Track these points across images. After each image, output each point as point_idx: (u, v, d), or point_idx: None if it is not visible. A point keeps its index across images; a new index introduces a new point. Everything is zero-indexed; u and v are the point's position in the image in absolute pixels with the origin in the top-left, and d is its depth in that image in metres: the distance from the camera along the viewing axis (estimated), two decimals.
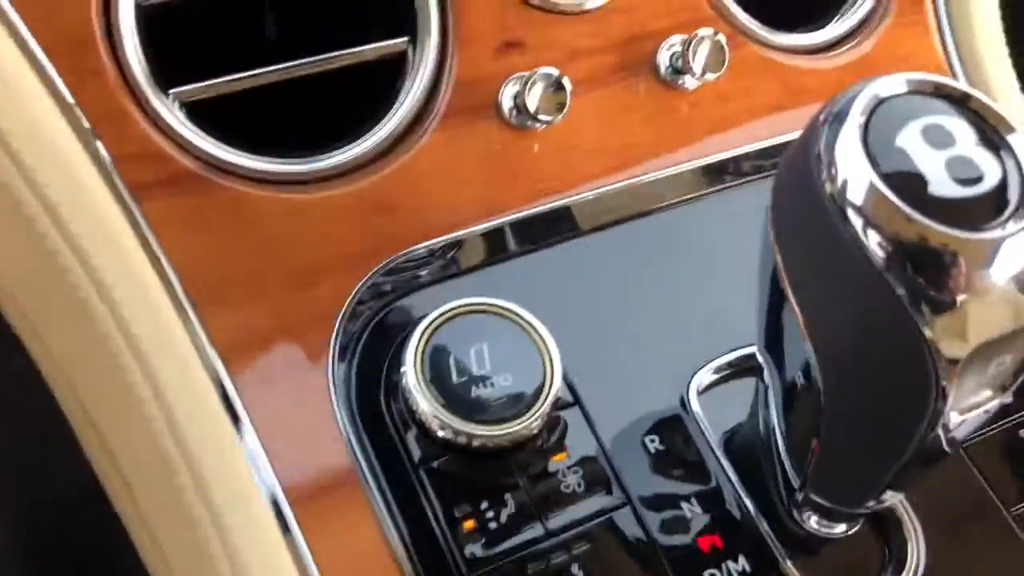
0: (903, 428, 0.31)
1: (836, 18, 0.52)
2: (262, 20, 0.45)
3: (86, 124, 0.37)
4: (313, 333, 0.39)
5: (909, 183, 0.28)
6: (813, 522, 0.38)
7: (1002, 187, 0.28)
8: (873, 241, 0.28)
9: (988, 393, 0.30)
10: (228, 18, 0.43)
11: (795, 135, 0.50)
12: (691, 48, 0.45)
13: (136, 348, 0.35)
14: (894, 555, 0.39)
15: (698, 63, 0.45)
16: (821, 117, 0.30)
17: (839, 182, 0.29)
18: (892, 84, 0.29)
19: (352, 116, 0.43)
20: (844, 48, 0.52)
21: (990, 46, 0.52)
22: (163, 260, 0.37)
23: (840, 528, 0.38)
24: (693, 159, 0.46)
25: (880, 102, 0.29)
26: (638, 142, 0.46)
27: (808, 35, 0.52)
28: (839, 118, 0.29)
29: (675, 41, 0.46)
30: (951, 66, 0.53)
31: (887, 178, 0.28)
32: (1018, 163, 0.28)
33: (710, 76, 0.46)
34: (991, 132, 0.29)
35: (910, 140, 0.28)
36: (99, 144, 0.37)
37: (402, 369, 0.37)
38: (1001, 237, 0.27)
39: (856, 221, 0.28)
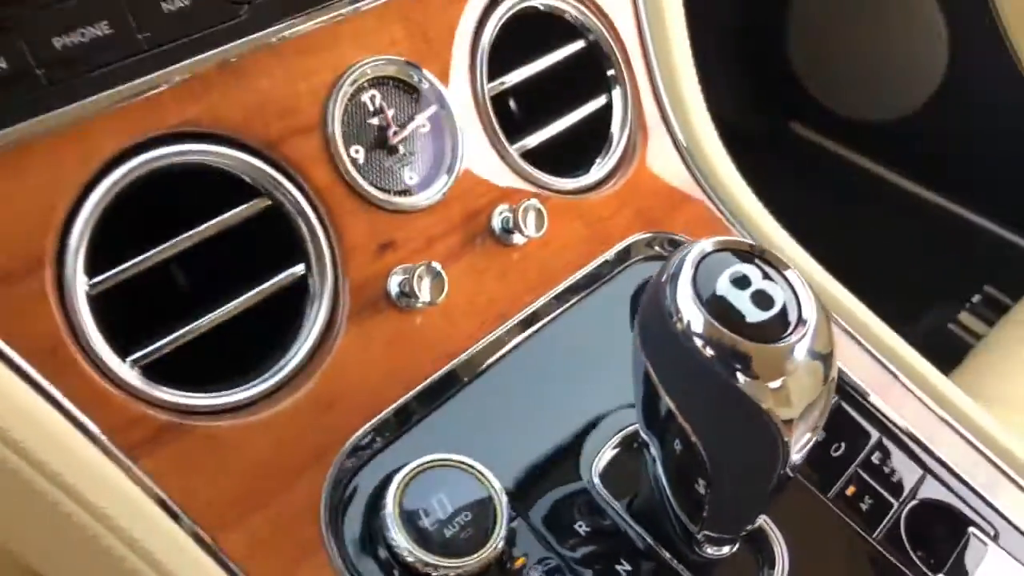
0: (766, 473, 0.44)
1: (598, 162, 0.67)
2: (172, 276, 0.52)
3: (77, 412, 0.43)
4: (303, 526, 0.47)
5: (730, 317, 0.41)
6: (709, 551, 0.51)
7: (785, 308, 0.42)
8: (715, 357, 0.41)
9: (810, 435, 0.45)
10: (144, 282, 0.50)
11: (606, 255, 0.64)
12: (520, 216, 0.58)
13: None
14: (766, 558, 0.53)
15: (529, 228, 0.57)
16: (664, 278, 0.43)
17: (685, 323, 0.42)
18: (705, 247, 0.43)
19: (268, 336, 0.52)
20: (616, 178, 0.67)
21: (716, 155, 0.69)
22: (171, 504, 0.44)
23: (727, 549, 0.52)
24: (538, 296, 0.59)
25: (701, 260, 0.43)
26: (495, 296, 0.58)
27: (585, 177, 0.66)
28: (675, 278, 0.43)
29: (503, 208, 0.59)
30: (692, 173, 0.69)
31: (717, 318, 0.41)
32: (793, 290, 0.43)
33: (536, 235, 0.58)
34: (772, 269, 0.43)
35: (724, 287, 0.42)
36: (90, 424, 0.44)
37: (388, 534, 0.46)
38: (793, 342, 0.41)
39: (703, 347, 0.41)
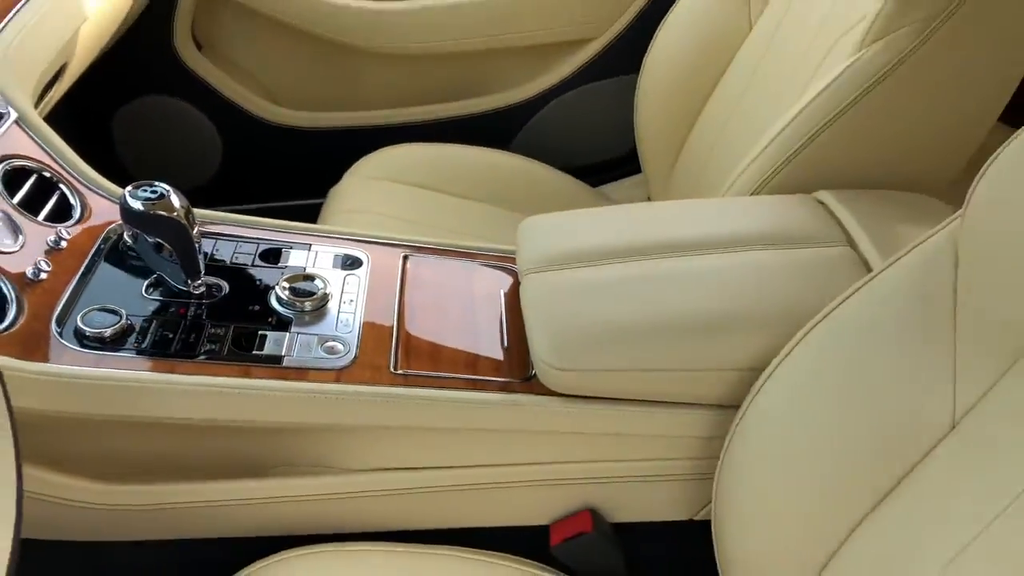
0: (190, 241, 1.34)
1: (73, 214, 1.52)
2: None
3: None
4: (51, 341, 1.27)
5: (149, 199, 1.31)
6: (199, 290, 1.40)
7: (163, 193, 1.33)
8: (154, 214, 1.30)
9: (196, 230, 1.36)
10: None
11: (100, 239, 1.48)
12: (59, 235, 1.41)
13: None
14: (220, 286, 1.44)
15: (65, 235, 1.41)
16: (124, 200, 1.30)
17: (135, 207, 1.30)
18: (129, 188, 1.31)
19: None
20: (85, 215, 1.52)
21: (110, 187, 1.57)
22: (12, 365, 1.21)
23: (201, 286, 1.41)
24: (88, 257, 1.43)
25: (130, 191, 1.31)
26: (73, 265, 1.40)
27: (72, 220, 1.50)
28: (124, 199, 1.30)
29: (52, 235, 1.41)
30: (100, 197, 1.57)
31: (138, 200, 1.30)
32: (162, 189, 1.33)
33: (70, 236, 1.42)
34: (148, 187, 1.33)
35: (134, 195, 1.31)
36: None
37: (83, 329, 1.28)
38: (168, 199, 1.33)
39: (151, 211, 1.30)
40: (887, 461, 1.05)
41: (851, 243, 1.41)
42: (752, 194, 1.61)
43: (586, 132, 2.59)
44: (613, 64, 2.51)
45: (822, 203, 1.52)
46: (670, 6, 2.22)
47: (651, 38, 2.24)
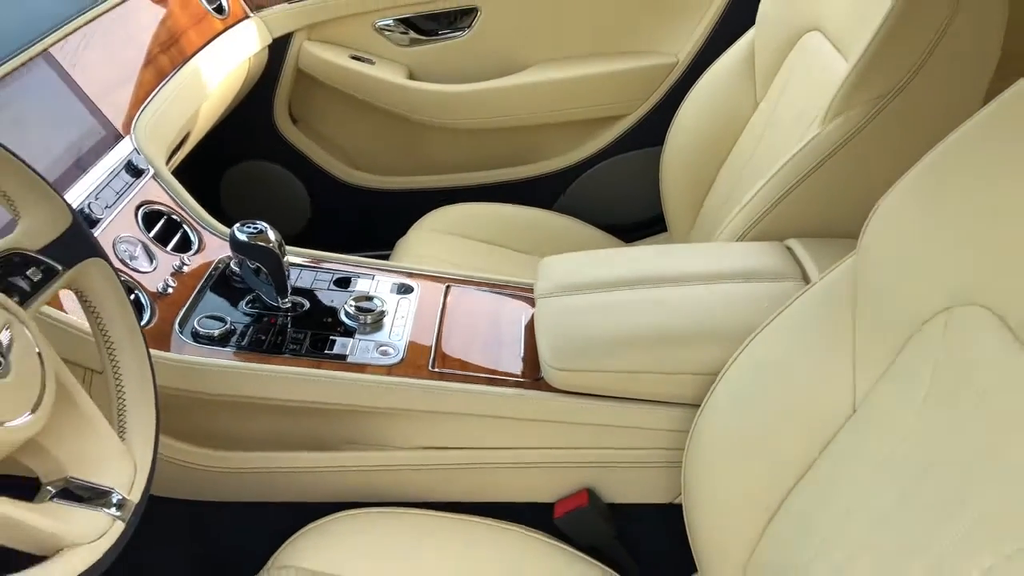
0: (280, 264, 1.74)
1: (193, 246, 1.95)
2: None
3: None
4: (175, 337, 1.67)
5: (236, 238, 1.72)
6: (287, 304, 1.80)
7: (262, 227, 1.74)
8: (257, 244, 1.71)
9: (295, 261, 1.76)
10: None
11: (218, 259, 1.90)
12: (183, 261, 1.84)
13: None
14: (297, 305, 1.84)
15: (190, 259, 1.84)
16: (233, 235, 1.71)
17: (240, 237, 1.71)
18: (237, 225, 1.72)
19: None
20: (203, 245, 1.94)
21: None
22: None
23: (287, 303, 1.81)
24: (207, 273, 1.85)
25: (238, 227, 1.72)
26: (193, 283, 1.82)
27: (195, 249, 1.93)
28: (233, 234, 1.71)
29: (180, 258, 1.84)
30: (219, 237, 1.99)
31: (248, 235, 1.71)
32: (259, 227, 1.74)
33: (193, 254, 1.85)
34: (249, 226, 1.74)
35: (239, 230, 1.72)
36: None
37: (197, 330, 1.69)
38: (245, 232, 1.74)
39: (253, 242, 1.71)
40: (806, 444, 1.35)
41: (805, 279, 1.73)
42: (738, 240, 1.94)
43: (619, 195, 2.97)
44: (643, 137, 2.89)
45: (789, 248, 1.85)
46: (690, 87, 2.59)
47: (674, 115, 2.61)
